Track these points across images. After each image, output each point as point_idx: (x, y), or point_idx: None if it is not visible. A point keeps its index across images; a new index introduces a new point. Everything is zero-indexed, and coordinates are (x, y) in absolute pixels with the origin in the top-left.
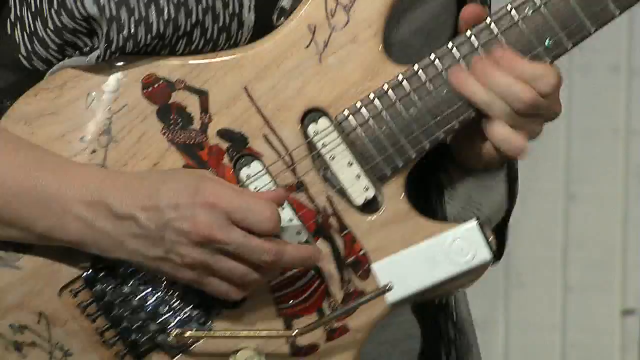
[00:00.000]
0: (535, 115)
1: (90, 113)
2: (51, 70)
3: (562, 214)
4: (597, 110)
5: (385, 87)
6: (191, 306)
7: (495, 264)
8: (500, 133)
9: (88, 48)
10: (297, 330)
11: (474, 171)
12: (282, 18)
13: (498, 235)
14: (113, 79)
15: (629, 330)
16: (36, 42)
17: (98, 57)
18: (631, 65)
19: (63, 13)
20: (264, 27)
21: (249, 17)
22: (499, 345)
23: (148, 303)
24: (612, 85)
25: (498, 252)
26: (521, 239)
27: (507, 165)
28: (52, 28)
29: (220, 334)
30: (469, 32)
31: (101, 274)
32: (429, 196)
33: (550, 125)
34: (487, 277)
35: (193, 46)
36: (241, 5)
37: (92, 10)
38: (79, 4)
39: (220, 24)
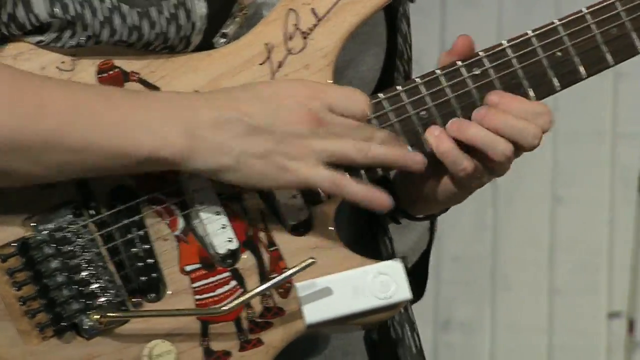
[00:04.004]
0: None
1: None
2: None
3: (548, 217)
4: (583, 113)
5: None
6: (113, 292)
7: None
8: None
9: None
10: (225, 307)
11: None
12: (223, 41)
13: (419, 273)
14: (69, 58)
15: (615, 333)
16: None
17: (49, 43)
18: (617, 68)
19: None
20: (204, 47)
21: (197, 38)
22: (486, 347)
23: (73, 282)
24: (598, 88)
25: (419, 289)
26: (508, 242)
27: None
28: (4, 20)
29: (144, 314)
30: (404, 86)
31: (34, 244)
32: (377, 237)
33: None
34: (474, 279)
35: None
36: (193, 28)
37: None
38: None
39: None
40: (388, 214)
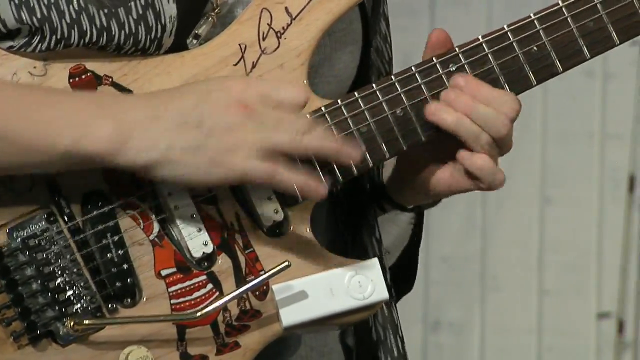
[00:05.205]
0: (501, 147)
1: None
2: None
3: (537, 218)
4: (573, 115)
5: (307, 116)
6: (88, 299)
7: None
8: (486, 165)
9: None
10: (200, 312)
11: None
12: (196, 42)
13: (410, 263)
14: (41, 63)
15: (605, 333)
16: None
17: (20, 48)
18: (606, 70)
19: None
20: (177, 48)
21: (169, 40)
22: (475, 348)
23: (48, 289)
24: (587, 89)
25: (409, 279)
26: (497, 243)
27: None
28: None
29: (119, 321)
30: (381, 84)
31: (7, 252)
32: (361, 234)
33: (526, 129)
34: (463, 280)
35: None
36: (164, 30)
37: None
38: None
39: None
40: (375, 202)
